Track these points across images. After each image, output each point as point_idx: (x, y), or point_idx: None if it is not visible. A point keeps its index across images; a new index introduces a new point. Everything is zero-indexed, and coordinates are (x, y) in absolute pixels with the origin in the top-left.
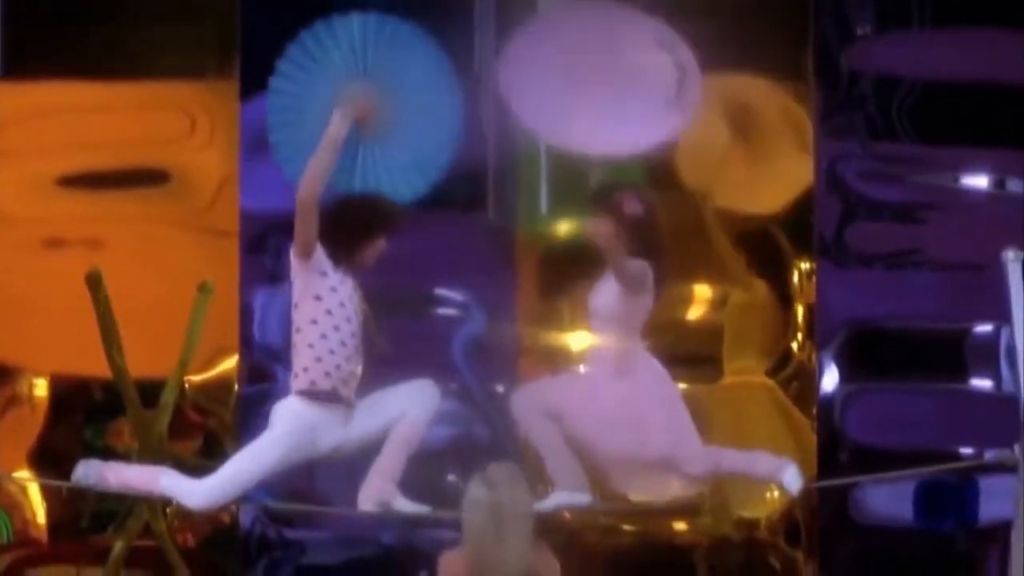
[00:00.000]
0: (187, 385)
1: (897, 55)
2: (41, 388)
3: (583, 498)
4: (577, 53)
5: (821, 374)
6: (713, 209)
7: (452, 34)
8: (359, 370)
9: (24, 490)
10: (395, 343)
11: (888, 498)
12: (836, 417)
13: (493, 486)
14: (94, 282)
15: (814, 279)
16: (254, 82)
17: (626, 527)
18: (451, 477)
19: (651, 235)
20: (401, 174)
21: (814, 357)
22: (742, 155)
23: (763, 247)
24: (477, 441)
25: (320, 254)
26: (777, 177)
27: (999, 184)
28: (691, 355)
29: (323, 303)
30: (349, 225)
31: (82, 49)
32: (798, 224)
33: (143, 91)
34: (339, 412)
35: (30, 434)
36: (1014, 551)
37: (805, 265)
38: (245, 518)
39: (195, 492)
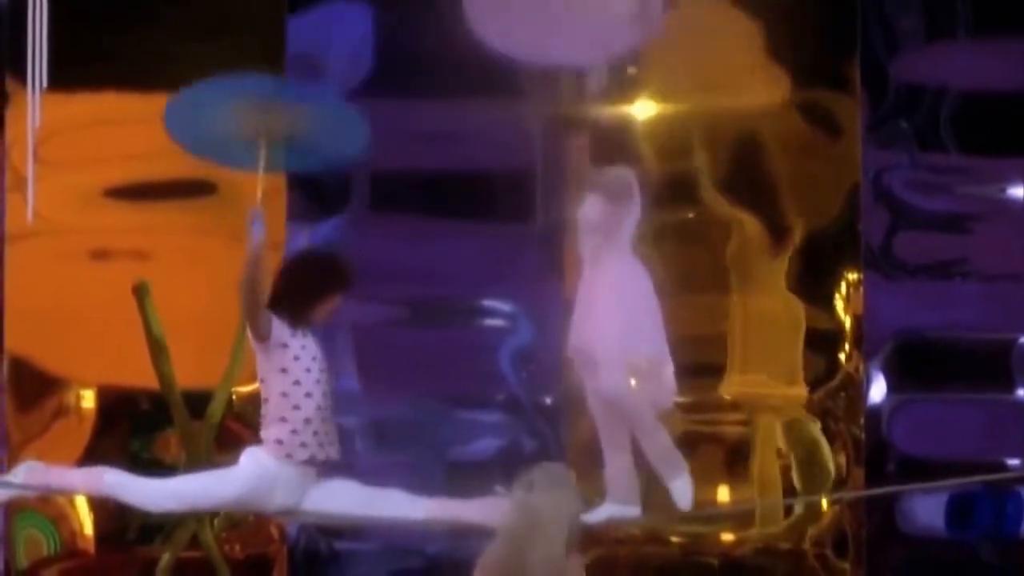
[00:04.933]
0: (234, 397)
1: (944, 65)
2: (88, 399)
3: (633, 511)
4: None
5: (868, 385)
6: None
7: None
8: (334, 426)
9: (71, 501)
10: (443, 353)
11: (936, 508)
12: (884, 428)
13: (533, 487)
14: (141, 293)
15: (861, 290)
16: None
17: (674, 538)
18: (498, 488)
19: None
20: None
21: (861, 368)
22: None
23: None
24: (525, 452)
25: (277, 329)
26: None
27: None
28: None
29: (289, 375)
30: (302, 289)
31: (129, 60)
32: (845, 234)
33: None
34: (310, 473)
35: (77, 445)
36: None
37: (852, 276)
38: (291, 529)
39: (139, 489)
